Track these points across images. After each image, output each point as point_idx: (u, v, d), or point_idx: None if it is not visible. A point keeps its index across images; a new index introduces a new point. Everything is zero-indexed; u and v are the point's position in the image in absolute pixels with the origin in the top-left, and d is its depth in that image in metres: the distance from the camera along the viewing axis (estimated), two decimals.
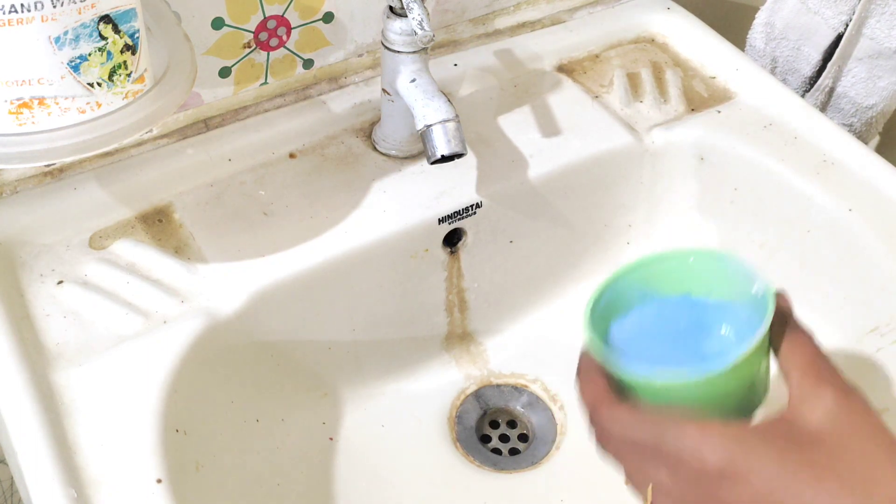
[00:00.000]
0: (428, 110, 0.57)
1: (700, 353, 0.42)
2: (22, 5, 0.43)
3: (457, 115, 0.57)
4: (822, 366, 0.38)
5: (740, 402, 0.40)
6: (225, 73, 0.64)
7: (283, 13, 0.63)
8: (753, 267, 0.41)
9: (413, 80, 0.59)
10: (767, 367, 0.40)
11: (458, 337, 0.70)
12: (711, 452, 0.35)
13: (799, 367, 0.38)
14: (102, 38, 0.46)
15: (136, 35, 0.48)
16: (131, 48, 0.48)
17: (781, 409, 0.37)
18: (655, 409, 0.39)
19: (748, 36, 0.84)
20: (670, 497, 0.38)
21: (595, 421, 0.41)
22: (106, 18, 0.46)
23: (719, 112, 0.71)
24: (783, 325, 0.39)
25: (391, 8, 0.59)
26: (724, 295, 0.43)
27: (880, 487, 0.32)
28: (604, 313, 0.43)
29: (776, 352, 0.39)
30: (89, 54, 0.46)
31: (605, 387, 0.41)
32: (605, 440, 0.41)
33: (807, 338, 0.39)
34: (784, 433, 0.36)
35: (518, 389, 0.69)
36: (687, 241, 0.71)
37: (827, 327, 0.63)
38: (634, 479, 0.41)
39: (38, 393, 0.50)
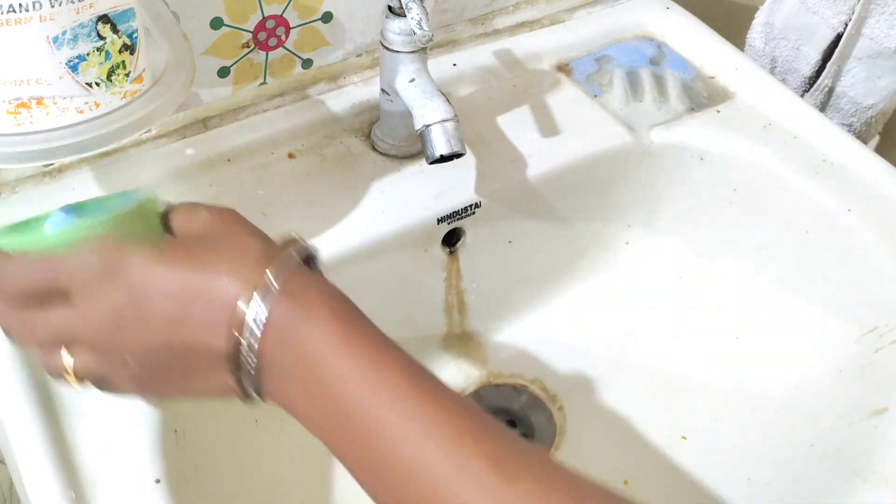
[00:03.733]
0: (427, 110, 0.57)
1: None
2: (20, 5, 0.43)
3: (456, 115, 0.57)
4: (196, 204, 0.43)
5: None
6: (224, 72, 0.64)
7: (282, 13, 0.63)
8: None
9: (412, 80, 0.59)
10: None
11: (457, 337, 0.70)
12: (92, 253, 0.39)
13: (179, 211, 0.43)
14: (101, 37, 0.46)
15: (135, 35, 0.48)
16: (130, 48, 0.47)
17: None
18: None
19: (747, 36, 0.84)
20: (82, 333, 0.40)
21: None
22: (104, 18, 0.46)
23: (718, 112, 0.71)
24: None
25: (390, 8, 0.59)
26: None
27: (249, 250, 0.40)
28: None
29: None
30: (87, 54, 0.46)
31: None
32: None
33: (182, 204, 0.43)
34: (166, 245, 0.40)
35: (517, 389, 0.69)
36: (686, 242, 0.71)
37: (826, 327, 0.63)
38: (45, 342, 0.41)
39: (36, 393, 0.50)
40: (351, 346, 0.38)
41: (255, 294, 0.38)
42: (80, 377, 0.41)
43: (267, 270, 0.38)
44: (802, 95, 0.81)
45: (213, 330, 0.38)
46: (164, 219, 0.43)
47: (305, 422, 0.40)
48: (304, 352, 0.38)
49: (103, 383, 0.42)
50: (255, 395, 0.40)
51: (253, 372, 0.38)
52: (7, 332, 0.42)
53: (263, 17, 0.63)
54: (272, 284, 0.38)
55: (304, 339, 0.38)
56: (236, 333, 0.38)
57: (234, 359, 0.38)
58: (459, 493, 0.35)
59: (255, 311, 0.38)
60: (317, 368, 0.38)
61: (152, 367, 0.40)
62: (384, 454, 0.37)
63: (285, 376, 0.38)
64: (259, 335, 0.38)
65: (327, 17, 0.66)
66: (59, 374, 0.41)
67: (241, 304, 0.38)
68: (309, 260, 0.42)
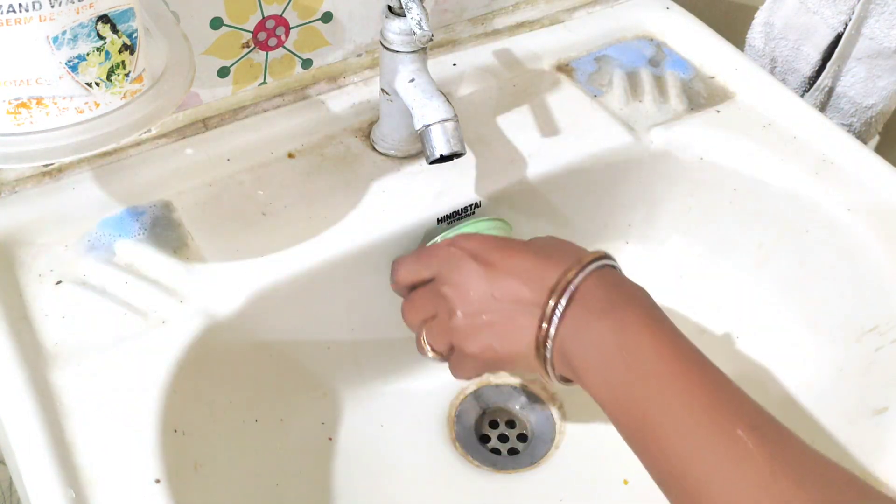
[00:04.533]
0: (427, 110, 0.57)
1: None
2: (20, 5, 0.43)
3: (455, 115, 0.57)
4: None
5: None
6: (223, 72, 0.64)
7: (282, 13, 0.63)
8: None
9: (412, 80, 0.59)
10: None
11: None
12: (463, 243, 0.55)
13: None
14: (101, 37, 0.46)
15: (135, 35, 0.48)
16: (129, 48, 0.47)
17: None
18: None
19: (747, 35, 0.84)
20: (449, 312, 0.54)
21: (396, 273, 0.60)
22: (104, 18, 0.46)
23: (718, 112, 0.71)
24: None
25: (390, 7, 0.59)
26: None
27: (575, 250, 0.53)
28: None
29: None
30: (87, 54, 0.46)
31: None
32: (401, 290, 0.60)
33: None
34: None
35: (517, 389, 0.69)
36: (686, 242, 0.71)
37: (826, 326, 0.63)
38: (417, 317, 0.58)
39: (36, 393, 0.50)
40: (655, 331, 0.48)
41: (578, 270, 0.50)
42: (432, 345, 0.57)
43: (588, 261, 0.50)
44: (802, 95, 0.81)
45: (540, 290, 0.50)
46: None
47: (588, 372, 0.48)
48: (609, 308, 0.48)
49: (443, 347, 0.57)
50: (552, 334, 0.49)
51: (564, 302, 0.49)
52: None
53: (263, 17, 0.63)
54: (591, 266, 0.50)
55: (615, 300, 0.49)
56: (560, 286, 0.49)
57: (555, 292, 0.49)
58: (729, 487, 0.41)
59: (576, 279, 0.49)
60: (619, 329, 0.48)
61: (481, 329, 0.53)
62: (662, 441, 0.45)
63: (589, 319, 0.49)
64: (572, 292, 0.49)
65: (327, 17, 0.66)
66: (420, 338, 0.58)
67: (568, 274, 0.50)
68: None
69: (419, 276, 0.57)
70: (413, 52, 0.59)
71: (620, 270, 0.52)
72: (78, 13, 0.44)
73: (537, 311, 0.49)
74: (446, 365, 0.58)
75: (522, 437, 0.67)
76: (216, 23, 0.61)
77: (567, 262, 0.50)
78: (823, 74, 0.78)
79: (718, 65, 0.75)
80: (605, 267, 0.50)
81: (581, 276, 0.49)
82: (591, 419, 0.67)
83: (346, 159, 0.65)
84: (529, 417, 0.68)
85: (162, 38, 0.52)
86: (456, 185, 0.64)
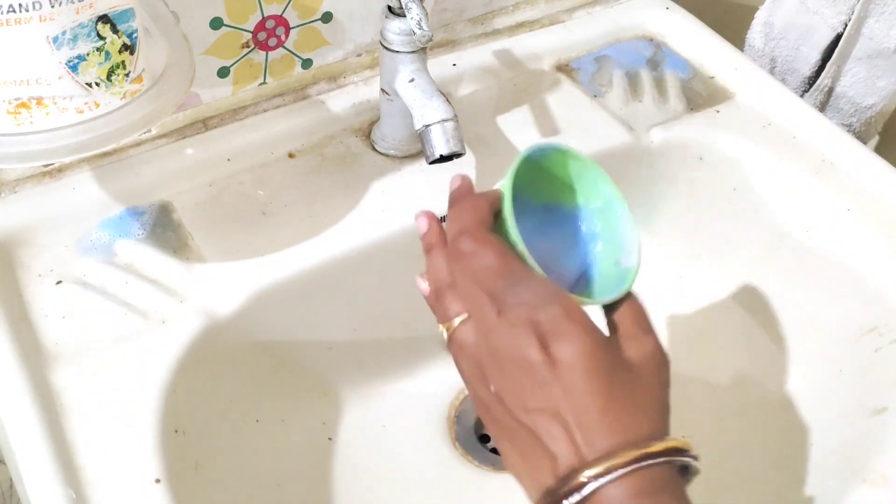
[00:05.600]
0: (427, 110, 0.57)
1: (578, 259, 0.47)
2: (20, 5, 0.43)
3: (455, 115, 0.57)
4: (648, 322, 0.44)
5: None
6: (223, 72, 0.64)
7: (282, 13, 0.63)
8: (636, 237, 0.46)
9: (412, 80, 0.59)
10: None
11: None
12: (551, 308, 0.39)
13: (631, 317, 0.43)
14: (100, 37, 0.46)
15: (135, 35, 0.48)
16: (129, 48, 0.48)
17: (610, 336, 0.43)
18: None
19: (747, 35, 0.84)
20: (483, 330, 0.41)
21: (456, 245, 0.43)
22: (104, 18, 0.46)
23: (718, 112, 0.71)
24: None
25: (390, 7, 0.59)
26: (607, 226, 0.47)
27: (647, 418, 0.40)
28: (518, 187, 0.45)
29: (611, 307, 0.44)
30: (87, 54, 0.46)
31: (484, 219, 0.43)
32: (457, 261, 0.42)
33: (637, 301, 0.44)
34: (610, 342, 0.41)
35: None
36: (686, 242, 0.71)
37: (826, 327, 0.63)
38: (450, 307, 0.43)
39: (36, 393, 0.50)
40: None
41: (608, 470, 0.38)
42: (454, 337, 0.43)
43: (635, 455, 0.38)
44: (802, 95, 0.81)
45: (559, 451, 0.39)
46: (621, 303, 0.44)
47: None
48: None
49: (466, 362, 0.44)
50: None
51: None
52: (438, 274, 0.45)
53: (263, 17, 0.63)
54: (625, 469, 0.38)
55: None
56: (562, 486, 0.38)
57: (552, 494, 0.39)
58: None
59: (594, 483, 0.38)
60: None
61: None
62: None
63: None
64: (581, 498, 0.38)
65: (327, 17, 0.66)
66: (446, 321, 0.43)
67: (585, 474, 0.38)
68: (683, 470, 0.42)
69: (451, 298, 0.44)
70: (413, 52, 0.59)
71: (681, 479, 0.42)
72: (78, 13, 0.44)
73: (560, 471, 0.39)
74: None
75: None
76: (216, 23, 0.61)
77: (626, 439, 0.38)
78: (823, 74, 0.78)
79: (718, 65, 0.75)
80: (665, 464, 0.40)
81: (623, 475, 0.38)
82: None
83: (346, 159, 0.65)
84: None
85: (162, 38, 0.52)
86: None
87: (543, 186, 0.47)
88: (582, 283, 0.46)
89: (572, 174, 0.47)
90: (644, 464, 0.38)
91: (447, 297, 0.44)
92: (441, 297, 0.44)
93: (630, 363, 0.41)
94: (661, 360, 0.42)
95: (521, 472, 0.41)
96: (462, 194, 0.45)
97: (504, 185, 0.43)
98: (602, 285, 0.45)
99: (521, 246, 0.42)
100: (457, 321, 0.43)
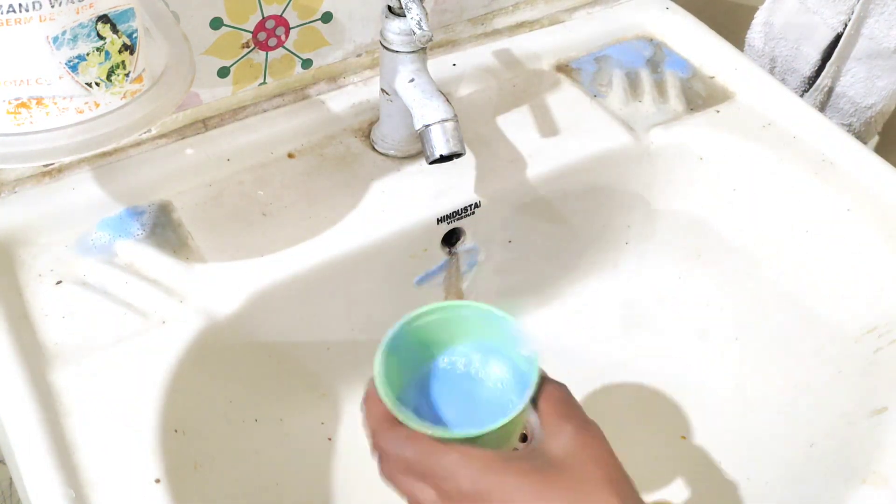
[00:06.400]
0: (426, 110, 0.57)
1: (478, 401, 0.48)
2: (20, 5, 0.43)
3: (455, 115, 0.57)
4: (566, 406, 0.45)
5: (501, 440, 0.46)
6: (223, 72, 0.64)
7: (282, 13, 0.63)
8: (523, 329, 0.47)
9: (412, 80, 0.59)
10: (525, 413, 0.45)
11: None
12: (464, 476, 0.42)
13: (548, 408, 0.45)
14: (101, 37, 0.46)
15: (135, 35, 0.48)
16: (129, 48, 0.48)
17: (532, 442, 0.45)
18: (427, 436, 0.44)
19: (747, 35, 0.84)
20: None
21: (376, 444, 0.46)
22: (104, 18, 0.46)
23: (718, 112, 0.71)
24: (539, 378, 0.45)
25: (390, 8, 0.59)
26: (496, 341, 0.48)
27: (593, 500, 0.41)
28: (392, 351, 0.47)
29: (534, 400, 0.45)
30: (87, 54, 0.46)
31: (385, 412, 0.45)
32: (384, 461, 0.45)
33: (554, 385, 0.46)
34: (528, 459, 0.43)
35: None
36: (686, 242, 0.71)
37: (826, 327, 0.63)
38: (409, 501, 0.45)
39: (36, 393, 0.50)
40: None
41: None
42: None
43: None
44: (802, 95, 0.81)
45: None
46: (538, 394, 0.45)
47: None
48: None
49: None
50: None
51: None
52: (382, 472, 0.46)
53: (263, 17, 0.63)
54: None
55: None
56: None
57: None
58: None
59: None
60: None
61: None
62: None
63: None
64: None
65: (327, 17, 0.66)
66: None
67: None
68: None
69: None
70: (413, 52, 0.59)
71: None
72: (78, 13, 0.44)
73: None
74: None
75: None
76: (216, 23, 0.61)
77: None
78: (823, 74, 0.78)
79: (718, 65, 0.75)
80: None
81: None
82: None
83: (346, 159, 0.65)
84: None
85: (162, 38, 0.52)
86: (456, 185, 0.64)
87: (427, 350, 0.49)
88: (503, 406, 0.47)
89: (440, 329, 0.49)
90: None
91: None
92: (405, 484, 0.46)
93: (555, 461, 0.42)
94: (585, 442, 0.43)
95: None
96: (367, 397, 0.47)
97: (375, 371, 0.46)
98: (523, 386, 0.46)
99: (400, 415, 0.44)
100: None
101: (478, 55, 0.73)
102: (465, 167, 0.65)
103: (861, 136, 0.81)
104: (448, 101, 0.58)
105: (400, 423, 0.44)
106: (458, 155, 0.57)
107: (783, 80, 0.81)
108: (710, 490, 0.63)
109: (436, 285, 0.67)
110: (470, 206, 0.64)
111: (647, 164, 0.70)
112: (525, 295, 0.71)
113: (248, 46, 0.64)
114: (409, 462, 0.44)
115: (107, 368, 0.52)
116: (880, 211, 0.64)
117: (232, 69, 0.64)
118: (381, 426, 0.45)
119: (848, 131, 0.76)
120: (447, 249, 0.66)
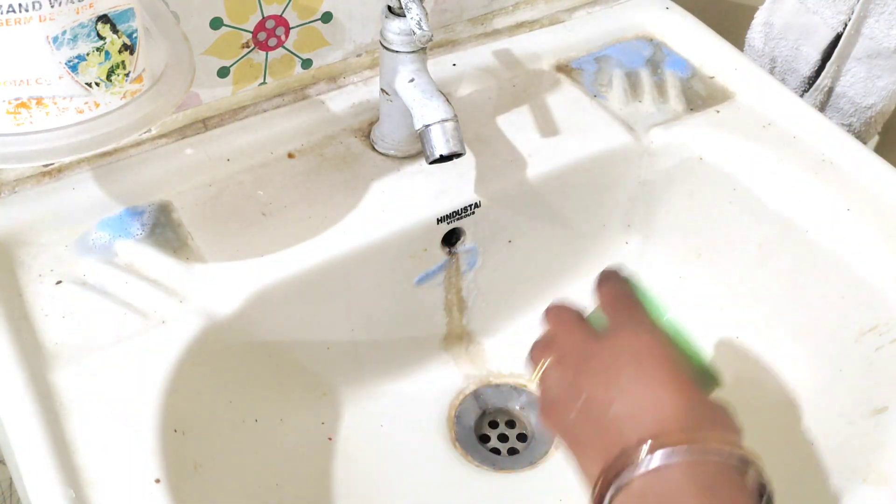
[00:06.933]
0: (426, 110, 0.57)
1: None
2: (20, 5, 0.43)
3: (455, 115, 0.57)
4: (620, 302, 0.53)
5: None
6: (223, 72, 0.64)
7: (282, 13, 0.63)
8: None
9: (412, 80, 0.59)
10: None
11: (457, 337, 0.70)
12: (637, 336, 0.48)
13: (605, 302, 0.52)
14: (100, 37, 0.46)
15: (135, 35, 0.48)
16: (129, 48, 0.48)
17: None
18: None
19: (747, 35, 0.84)
20: (582, 357, 0.48)
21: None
22: (104, 18, 0.46)
23: (718, 112, 0.71)
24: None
25: (389, 8, 0.59)
26: None
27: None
28: None
29: None
30: (87, 54, 0.46)
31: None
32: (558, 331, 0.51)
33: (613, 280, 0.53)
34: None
35: (517, 389, 0.69)
36: (686, 242, 0.71)
37: (826, 327, 0.63)
38: (543, 354, 0.50)
39: (36, 393, 0.50)
40: None
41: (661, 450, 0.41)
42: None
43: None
44: (802, 95, 0.81)
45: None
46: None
47: None
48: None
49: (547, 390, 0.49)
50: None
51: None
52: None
53: (263, 17, 0.63)
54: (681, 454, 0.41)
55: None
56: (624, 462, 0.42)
57: (612, 470, 0.42)
58: None
59: (657, 459, 0.41)
60: None
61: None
62: None
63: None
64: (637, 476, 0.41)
65: (327, 17, 0.66)
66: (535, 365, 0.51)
67: (643, 450, 0.41)
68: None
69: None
70: (413, 52, 0.59)
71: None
72: (78, 13, 0.44)
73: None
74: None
75: (522, 437, 0.67)
76: (216, 23, 0.61)
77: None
78: (823, 74, 0.78)
79: (718, 65, 0.75)
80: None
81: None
82: None
83: (346, 159, 0.65)
84: (529, 417, 0.68)
85: (162, 38, 0.52)
86: (456, 185, 0.64)
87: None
88: None
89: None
90: (713, 455, 0.41)
91: (542, 351, 0.51)
92: (538, 350, 0.51)
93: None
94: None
95: (592, 459, 0.45)
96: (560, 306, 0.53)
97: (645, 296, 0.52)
98: None
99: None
100: (547, 362, 0.49)
101: (478, 55, 0.73)
102: (465, 167, 0.65)
103: (861, 136, 0.81)
104: (448, 101, 0.58)
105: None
106: (458, 155, 0.57)
107: (783, 80, 0.81)
108: None
109: (436, 285, 0.67)
110: (470, 206, 0.64)
111: (647, 164, 0.70)
112: (525, 295, 0.71)
113: (247, 46, 0.64)
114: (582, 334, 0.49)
115: (107, 368, 0.52)
116: (880, 211, 0.64)
117: (232, 69, 0.64)
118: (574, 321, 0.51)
119: (848, 131, 0.76)
120: (447, 249, 0.66)
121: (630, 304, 0.51)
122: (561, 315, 0.52)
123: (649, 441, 0.41)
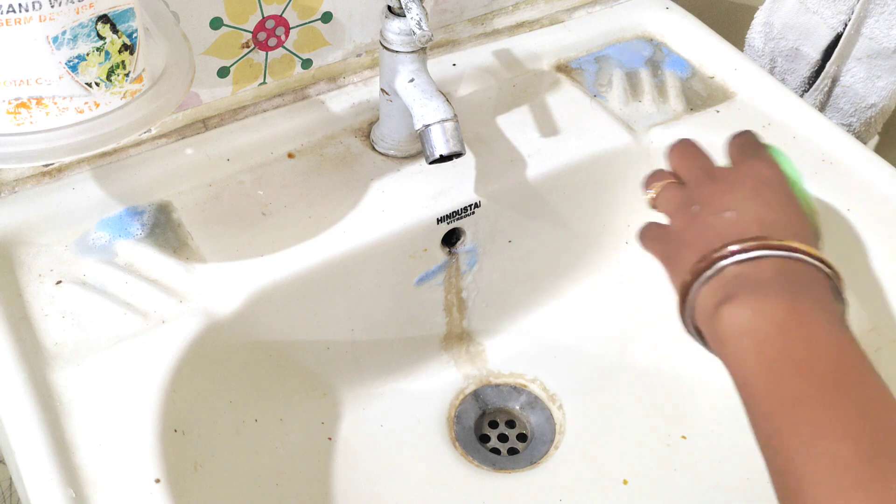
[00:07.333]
0: (426, 110, 0.57)
1: None
2: (20, 5, 0.43)
3: (455, 115, 0.57)
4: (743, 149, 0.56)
5: None
6: (223, 72, 0.64)
7: (282, 13, 0.63)
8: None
9: (411, 80, 0.59)
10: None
11: (457, 337, 0.70)
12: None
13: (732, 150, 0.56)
14: (100, 37, 0.46)
15: (135, 35, 0.48)
16: (129, 48, 0.48)
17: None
18: None
19: (747, 35, 0.84)
20: (704, 178, 0.52)
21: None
22: (104, 18, 0.46)
23: (718, 112, 0.71)
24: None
25: (389, 8, 0.59)
26: None
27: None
28: None
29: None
30: (87, 54, 0.46)
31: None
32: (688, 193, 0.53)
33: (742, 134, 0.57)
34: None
35: (517, 389, 0.69)
36: None
37: None
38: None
39: (36, 393, 0.50)
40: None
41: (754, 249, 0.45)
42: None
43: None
44: (802, 95, 0.81)
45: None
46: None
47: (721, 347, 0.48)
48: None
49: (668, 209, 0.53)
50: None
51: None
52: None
53: (263, 17, 0.63)
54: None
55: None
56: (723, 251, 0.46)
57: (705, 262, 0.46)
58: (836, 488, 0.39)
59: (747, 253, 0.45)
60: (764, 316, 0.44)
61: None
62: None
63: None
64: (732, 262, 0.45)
65: (327, 17, 0.66)
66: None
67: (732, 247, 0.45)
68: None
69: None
70: (413, 52, 0.59)
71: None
72: (78, 13, 0.44)
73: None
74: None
75: (522, 437, 0.67)
76: (216, 23, 0.61)
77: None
78: (823, 74, 0.78)
79: (718, 65, 0.75)
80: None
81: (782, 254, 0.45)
82: (591, 419, 0.67)
83: (345, 159, 0.65)
84: (529, 417, 0.68)
85: (162, 38, 0.52)
86: (455, 185, 0.64)
87: None
88: None
89: None
90: (808, 260, 0.45)
91: (660, 176, 0.55)
92: (657, 176, 0.55)
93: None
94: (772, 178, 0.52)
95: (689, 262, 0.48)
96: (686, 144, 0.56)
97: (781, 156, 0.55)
98: None
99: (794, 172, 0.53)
100: (663, 184, 0.53)
101: (478, 55, 0.73)
102: (465, 167, 0.65)
103: (861, 136, 0.81)
104: (448, 101, 0.58)
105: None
106: (458, 155, 0.57)
107: (783, 80, 0.81)
108: (710, 490, 0.63)
109: (435, 285, 0.67)
110: (470, 206, 0.64)
111: (646, 164, 0.70)
112: (525, 294, 0.71)
113: (247, 46, 0.64)
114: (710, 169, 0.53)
115: (107, 368, 0.52)
116: (880, 210, 0.64)
117: (232, 69, 0.64)
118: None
119: (848, 131, 0.76)
120: (447, 249, 0.66)
121: (758, 149, 0.54)
122: (684, 149, 0.55)
123: (751, 240, 0.45)
